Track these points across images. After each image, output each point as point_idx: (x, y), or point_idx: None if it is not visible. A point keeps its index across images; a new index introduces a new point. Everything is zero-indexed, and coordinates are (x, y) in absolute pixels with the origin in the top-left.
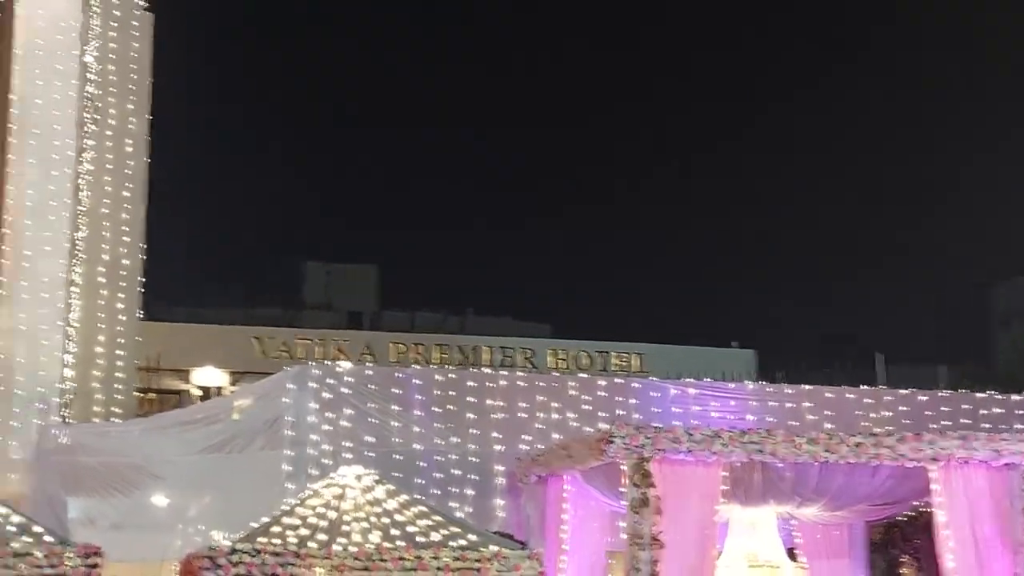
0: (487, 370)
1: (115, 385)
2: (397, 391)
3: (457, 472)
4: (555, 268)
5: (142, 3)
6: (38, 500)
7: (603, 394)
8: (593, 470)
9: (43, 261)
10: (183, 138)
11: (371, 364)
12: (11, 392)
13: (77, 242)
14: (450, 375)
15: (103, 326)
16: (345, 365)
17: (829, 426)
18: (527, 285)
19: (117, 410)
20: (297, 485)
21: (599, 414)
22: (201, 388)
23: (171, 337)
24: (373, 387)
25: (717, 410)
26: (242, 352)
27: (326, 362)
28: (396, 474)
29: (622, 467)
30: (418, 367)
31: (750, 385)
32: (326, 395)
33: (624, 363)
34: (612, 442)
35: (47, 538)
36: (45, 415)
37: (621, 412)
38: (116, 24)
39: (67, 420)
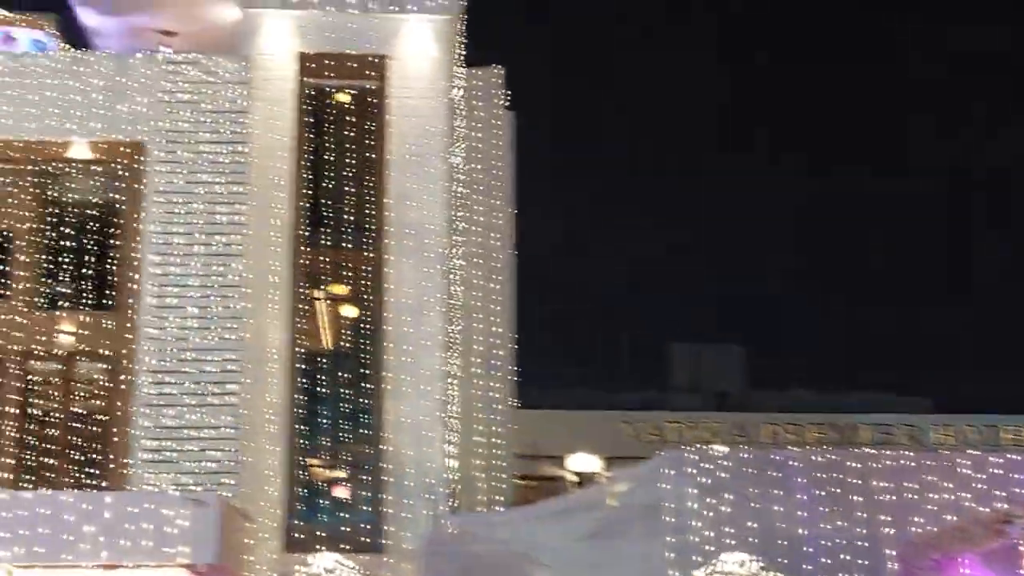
0: (867, 449)
1: (495, 473)
2: (776, 474)
3: (845, 557)
4: (932, 338)
5: (503, 103)
6: None
7: (997, 471)
8: (992, 552)
9: (422, 355)
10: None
11: (746, 447)
12: (401, 483)
13: (452, 335)
14: (831, 456)
15: (480, 415)
16: (721, 449)
17: None
18: (905, 357)
19: (499, 498)
20: (681, 573)
21: (995, 493)
22: (576, 474)
23: (543, 423)
24: (752, 471)
25: None
26: (613, 436)
27: (700, 446)
28: (781, 560)
29: (1023, 549)
30: (796, 449)
31: None
32: (704, 480)
33: (1016, 437)
34: (1011, 523)
35: None
36: (433, 505)
37: (1018, 490)
38: (480, 124)
39: (454, 509)
